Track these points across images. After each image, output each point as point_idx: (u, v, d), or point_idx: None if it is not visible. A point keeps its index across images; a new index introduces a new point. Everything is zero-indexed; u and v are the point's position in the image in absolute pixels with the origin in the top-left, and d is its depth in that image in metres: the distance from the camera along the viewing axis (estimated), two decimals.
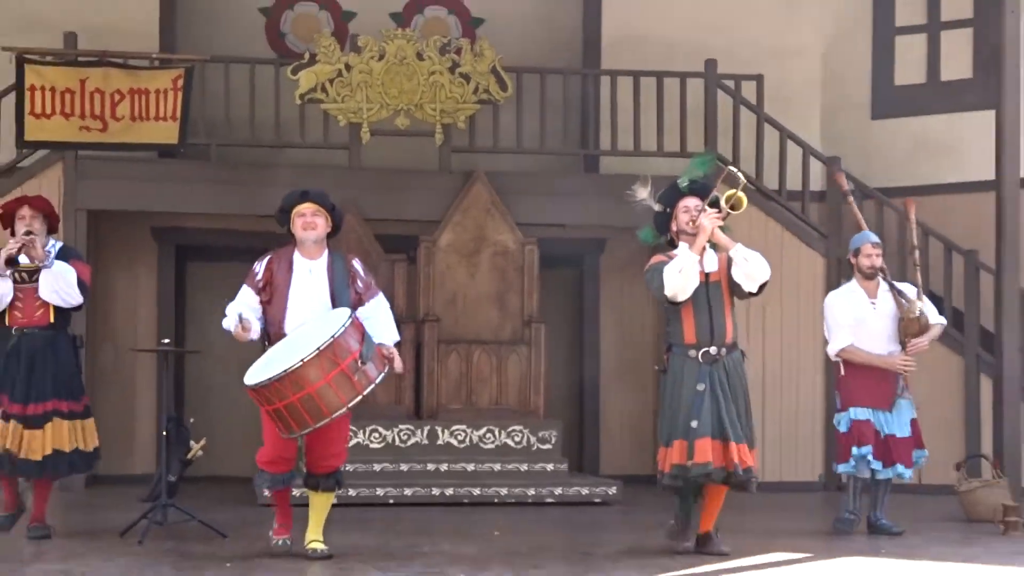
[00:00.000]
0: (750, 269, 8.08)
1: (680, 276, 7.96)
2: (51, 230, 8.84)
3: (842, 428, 9.49)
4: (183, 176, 12.67)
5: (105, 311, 13.31)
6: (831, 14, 14.42)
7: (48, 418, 8.58)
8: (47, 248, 8.68)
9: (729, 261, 8.15)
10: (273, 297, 7.97)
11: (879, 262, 9.55)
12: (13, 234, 8.68)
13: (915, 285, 9.65)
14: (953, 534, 9.55)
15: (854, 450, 9.35)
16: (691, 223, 8.14)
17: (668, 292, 8.00)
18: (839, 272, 12.43)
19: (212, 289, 12.91)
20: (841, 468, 9.59)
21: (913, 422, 9.53)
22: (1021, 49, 10.67)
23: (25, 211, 8.71)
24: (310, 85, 12.58)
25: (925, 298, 9.69)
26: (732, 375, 8.14)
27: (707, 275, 8.13)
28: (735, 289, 8.18)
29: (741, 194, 8.16)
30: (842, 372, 9.58)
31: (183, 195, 12.62)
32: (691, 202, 8.21)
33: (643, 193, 8.38)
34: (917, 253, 10.03)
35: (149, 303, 13.60)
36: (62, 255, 8.75)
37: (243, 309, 7.91)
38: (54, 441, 8.59)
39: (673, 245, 8.29)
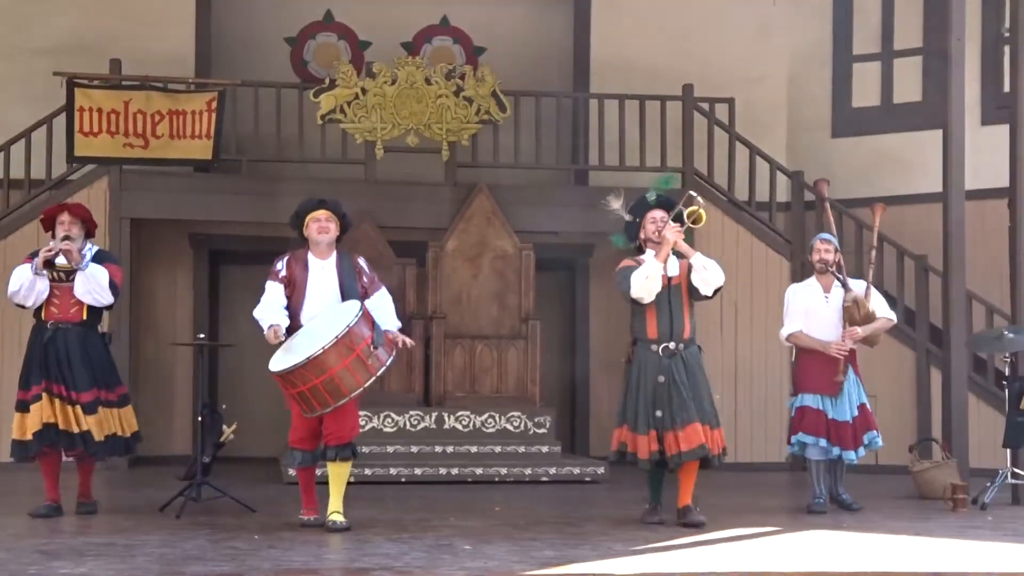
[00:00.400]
0: (707, 275, 8.25)
1: (647, 281, 8.15)
2: (88, 235, 8.69)
3: (792, 412, 9.38)
4: (216, 188, 12.64)
5: (147, 309, 13.28)
6: (795, 44, 14.38)
7: (98, 404, 8.49)
8: (83, 251, 8.55)
9: (689, 267, 8.30)
10: (292, 294, 8.09)
11: (828, 257, 9.45)
12: (54, 236, 8.57)
13: (866, 281, 9.59)
14: (907, 510, 9.48)
15: (795, 437, 9.27)
16: (657, 232, 8.31)
17: (635, 295, 8.20)
18: (803, 274, 12.34)
19: (243, 289, 12.84)
20: (787, 449, 9.52)
21: (861, 407, 9.35)
22: (965, 74, 10.63)
23: (64, 216, 8.57)
24: (330, 107, 12.56)
25: (876, 292, 9.62)
26: (690, 365, 8.29)
27: (669, 278, 8.31)
28: (693, 292, 8.34)
29: (702, 211, 8.32)
30: (792, 359, 9.51)
31: (216, 205, 12.60)
32: (657, 214, 8.41)
33: (615, 205, 8.55)
34: (873, 253, 9.98)
35: (186, 302, 13.58)
36: (97, 258, 8.62)
37: (277, 312, 7.96)
38: (108, 426, 8.52)
39: (641, 251, 8.46)
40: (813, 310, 9.40)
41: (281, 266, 8.13)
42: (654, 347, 8.28)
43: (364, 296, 8.07)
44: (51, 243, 8.51)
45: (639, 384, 8.27)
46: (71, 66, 12.28)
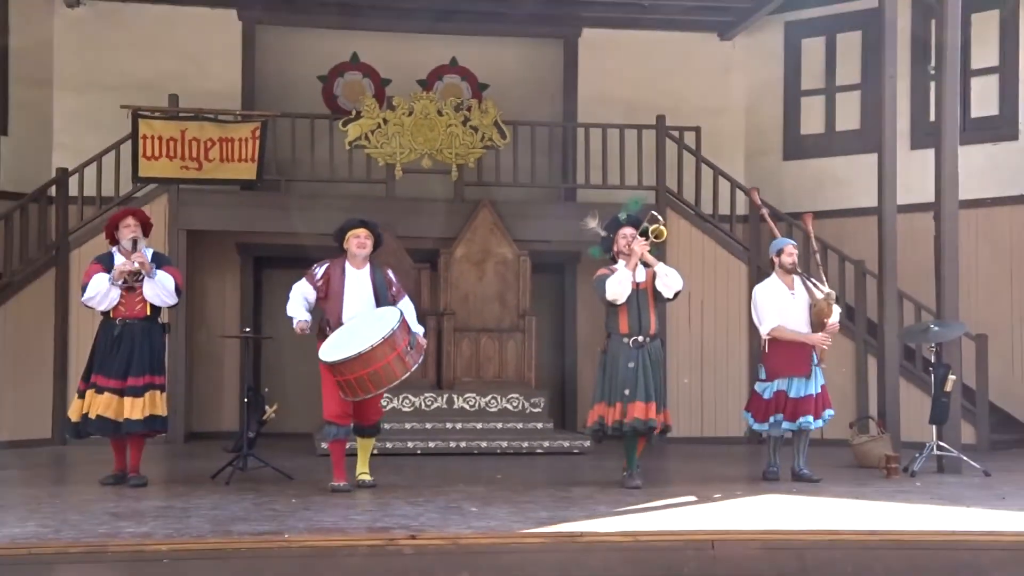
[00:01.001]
0: (668, 281, 8.58)
1: (618, 286, 8.45)
2: (144, 234, 8.63)
3: (766, 396, 9.18)
4: (260, 204, 12.58)
5: (200, 306, 13.24)
6: (752, 81, 14.36)
7: (147, 388, 8.38)
8: (143, 251, 8.46)
9: (654, 275, 8.59)
10: (330, 296, 8.21)
11: (796, 260, 9.41)
12: (115, 241, 8.52)
13: (820, 279, 9.49)
14: (847, 477, 9.43)
15: (772, 417, 9.16)
16: (627, 246, 8.61)
17: (609, 297, 8.50)
18: (759, 276, 12.30)
19: (283, 290, 12.72)
20: (757, 427, 9.33)
21: (823, 387, 9.21)
22: (897, 106, 10.61)
23: (130, 220, 8.50)
24: (356, 135, 12.53)
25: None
26: (653, 357, 8.55)
27: (637, 284, 8.57)
28: (657, 295, 8.61)
29: (662, 227, 8.67)
30: (766, 349, 9.36)
31: (260, 218, 12.55)
32: (627, 230, 8.71)
33: (592, 223, 8.85)
34: (818, 255, 9.93)
35: (234, 300, 13.55)
36: (156, 260, 8.55)
37: (302, 310, 8.21)
38: (152, 407, 8.40)
39: (615, 261, 8.72)
40: (783, 308, 9.25)
41: (319, 272, 8.26)
42: (626, 339, 8.51)
43: (392, 303, 8.20)
44: (122, 259, 8.41)
45: (611, 369, 8.49)
46: (136, 100, 12.25)
